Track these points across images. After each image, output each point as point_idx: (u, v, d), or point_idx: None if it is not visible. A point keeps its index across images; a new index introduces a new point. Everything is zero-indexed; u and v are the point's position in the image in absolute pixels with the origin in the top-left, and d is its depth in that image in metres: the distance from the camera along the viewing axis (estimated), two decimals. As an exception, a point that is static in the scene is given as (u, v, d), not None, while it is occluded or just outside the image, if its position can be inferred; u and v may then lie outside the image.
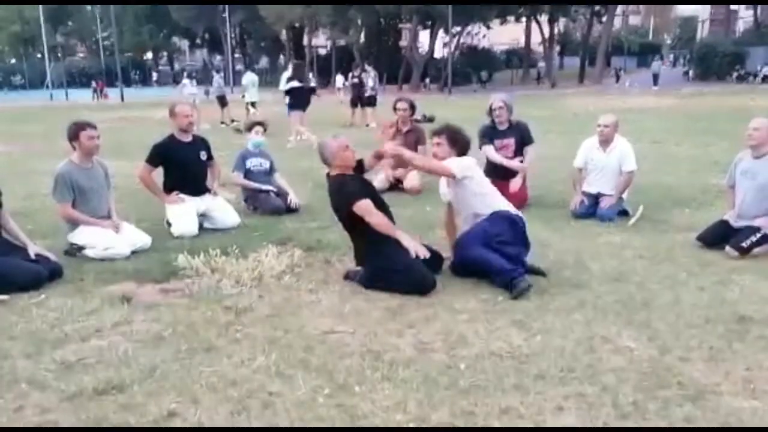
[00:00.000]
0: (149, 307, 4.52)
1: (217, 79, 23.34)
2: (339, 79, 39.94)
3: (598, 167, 7.20)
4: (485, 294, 4.68)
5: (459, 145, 5.25)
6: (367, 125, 18.56)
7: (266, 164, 7.81)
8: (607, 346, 3.79)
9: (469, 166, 5.10)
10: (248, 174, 7.73)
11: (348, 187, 4.83)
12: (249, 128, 7.94)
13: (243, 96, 21.21)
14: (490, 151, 7.70)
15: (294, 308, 4.51)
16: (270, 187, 7.71)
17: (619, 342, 3.83)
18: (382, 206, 4.94)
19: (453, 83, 47.06)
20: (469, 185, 5.10)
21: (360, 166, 5.14)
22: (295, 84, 15.80)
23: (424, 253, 4.66)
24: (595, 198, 7.20)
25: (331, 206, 5.03)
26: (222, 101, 21.64)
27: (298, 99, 15.71)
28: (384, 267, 4.72)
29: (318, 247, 6.01)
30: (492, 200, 5.13)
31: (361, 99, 20.96)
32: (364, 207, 4.71)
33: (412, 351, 3.73)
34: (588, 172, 7.32)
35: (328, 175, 5.08)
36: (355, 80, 21.87)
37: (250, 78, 21.59)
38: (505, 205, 5.13)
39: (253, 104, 20.67)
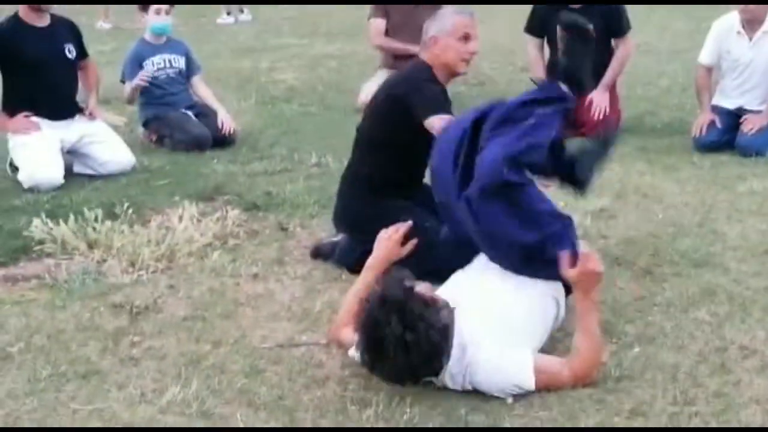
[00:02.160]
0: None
1: None
2: None
3: (740, 65, 5.40)
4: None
5: None
6: None
7: (179, 62, 5.71)
8: (749, 362, 2.78)
9: None
10: (150, 82, 5.67)
11: (428, 92, 3.44)
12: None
13: None
14: (531, 49, 5.79)
15: (228, 306, 3.35)
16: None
17: (768, 355, 2.85)
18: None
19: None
20: None
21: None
22: None
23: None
24: (735, 117, 5.45)
25: (373, 95, 3.76)
26: None
27: None
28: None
29: (268, 204, 4.50)
30: None
31: None
32: (441, 125, 3.27)
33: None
34: (723, 73, 5.55)
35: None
36: None
37: None
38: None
39: None
